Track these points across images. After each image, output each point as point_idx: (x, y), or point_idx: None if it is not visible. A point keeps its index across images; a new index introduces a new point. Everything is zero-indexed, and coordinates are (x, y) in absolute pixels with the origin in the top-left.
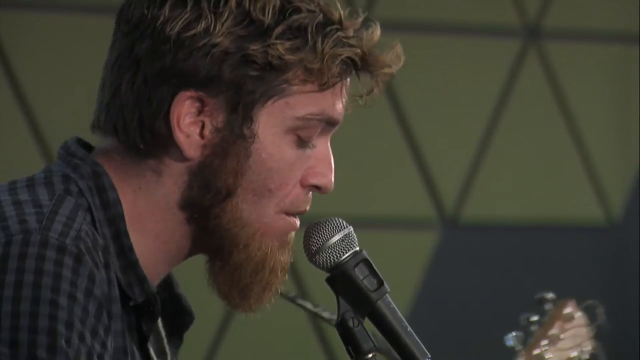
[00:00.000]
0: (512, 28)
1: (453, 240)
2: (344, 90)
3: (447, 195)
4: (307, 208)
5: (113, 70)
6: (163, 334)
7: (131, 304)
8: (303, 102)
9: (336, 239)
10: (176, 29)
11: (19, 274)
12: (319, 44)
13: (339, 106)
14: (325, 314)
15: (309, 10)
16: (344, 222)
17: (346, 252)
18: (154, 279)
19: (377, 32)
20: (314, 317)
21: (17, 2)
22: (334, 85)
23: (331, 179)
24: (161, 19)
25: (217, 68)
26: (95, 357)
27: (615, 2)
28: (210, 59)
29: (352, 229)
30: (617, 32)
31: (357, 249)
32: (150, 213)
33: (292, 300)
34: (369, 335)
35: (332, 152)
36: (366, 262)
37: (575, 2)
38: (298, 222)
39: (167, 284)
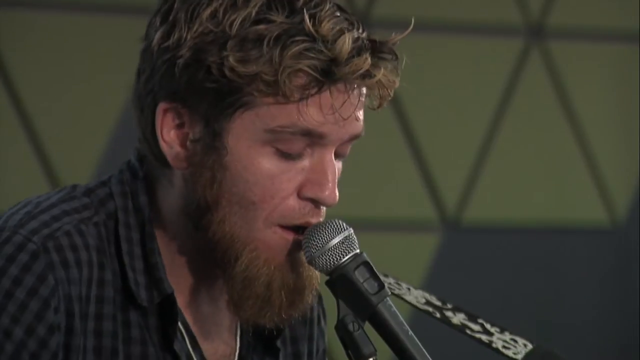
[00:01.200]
0: (515, 27)
1: (454, 242)
2: (326, 105)
3: (448, 197)
4: (309, 220)
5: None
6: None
7: (144, 304)
8: (272, 114)
9: (336, 241)
10: (155, 41)
11: None
12: (275, 56)
13: (318, 119)
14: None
15: (276, 22)
16: (344, 224)
17: (346, 255)
18: (186, 290)
19: (348, 36)
20: None
21: (13, 0)
22: (303, 98)
23: (330, 193)
24: (152, 30)
25: (183, 78)
26: (26, 355)
27: (619, 1)
28: (177, 71)
29: (352, 231)
30: (621, 31)
31: (358, 251)
32: (169, 225)
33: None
34: (369, 339)
35: None
36: (367, 264)
37: (578, 1)
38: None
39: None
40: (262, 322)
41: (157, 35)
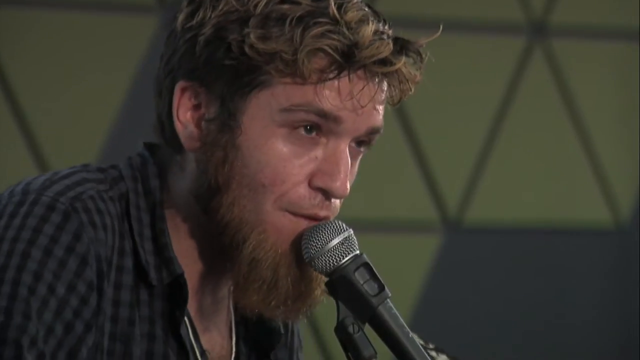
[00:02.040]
0: (517, 25)
1: (456, 243)
2: (345, 89)
3: (450, 198)
4: (318, 213)
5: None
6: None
7: (154, 282)
8: (288, 94)
9: (336, 242)
10: (179, 21)
11: (4, 231)
12: (296, 35)
13: (335, 103)
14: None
15: (302, 4)
16: (344, 225)
17: (346, 256)
18: (191, 278)
19: (372, 25)
20: (311, 320)
21: None
22: (321, 80)
23: (341, 184)
24: (177, 15)
25: (203, 56)
26: (69, 311)
27: None
28: (198, 48)
29: (352, 231)
30: (625, 29)
31: (358, 252)
32: (179, 209)
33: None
34: (369, 342)
35: None
36: (367, 266)
37: None
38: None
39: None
40: (267, 311)
41: (182, 16)
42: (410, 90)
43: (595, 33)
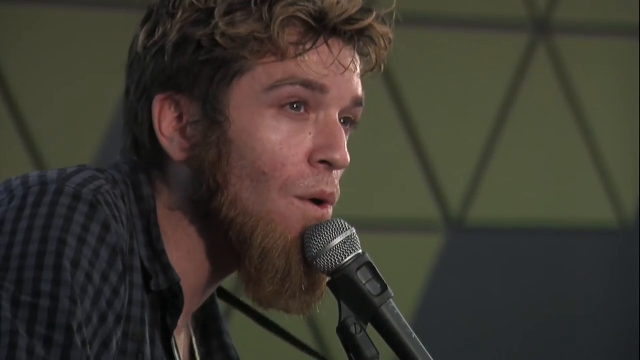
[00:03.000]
0: (521, 22)
1: (459, 243)
2: (326, 57)
3: (452, 197)
4: (325, 189)
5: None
6: None
7: (153, 288)
8: (269, 73)
9: (338, 242)
10: (141, 43)
11: (31, 219)
12: (264, 13)
13: (319, 71)
14: None
15: None
16: (346, 224)
17: (348, 255)
18: (188, 293)
19: None
20: (313, 320)
21: None
22: (300, 53)
23: (342, 153)
24: (134, 42)
25: (175, 65)
26: (104, 301)
27: None
28: (168, 59)
29: (354, 231)
30: (630, 27)
31: (360, 251)
32: (167, 220)
33: None
34: (371, 342)
35: None
36: (369, 265)
37: None
38: (326, 211)
39: (218, 332)
40: (282, 302)
41: (142, 37)
42: (386, 48)
43: (599, 30)
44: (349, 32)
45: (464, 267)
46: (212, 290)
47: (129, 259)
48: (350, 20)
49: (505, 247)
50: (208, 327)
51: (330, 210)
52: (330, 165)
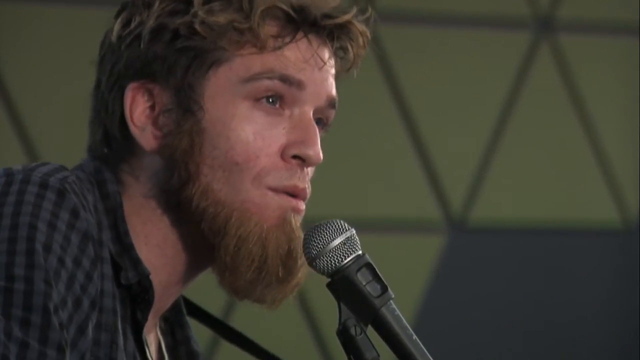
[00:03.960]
0: (523, 19)
1: (461, 244)
2: (305, 52)
3: (454, 197)
4: (301, 185)
5: (90, 108)
6: None
7: (122, 281)
8: (247, 65)
9: (337, 243)
10: (115, 33)
11: (0, 208)
12: (245, 3)
13: (297, 66)
14: None
15: None
16: (346, 225)
17: (348, 256)
18: (158, 289)
19: None
20: (312, 322)
21: None
22: (278, 47)
23: (316, 150)
24: (108, 33)
25: (150, 50)
26: (77, 285)
27: None
28: (143, 44)
29: (354, 231)
30: (634, 25)
31: (360, 252)
32: (136, 215)
33: None
34: (372, 344)
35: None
36: (369, 266)
37: None
38: (298, 204)
39: (185, 339)
40: (258, 292)
41: (117, 28)
42: (364, 47)
43: (603, 28)
44: (328, 26)
45: (466, 268)
46: (182, 289)
47: (99, 249)
48: (331, 14)
49: (508, 248)
50: (175, 333)
51: (303, 205)
52: (303, 161)
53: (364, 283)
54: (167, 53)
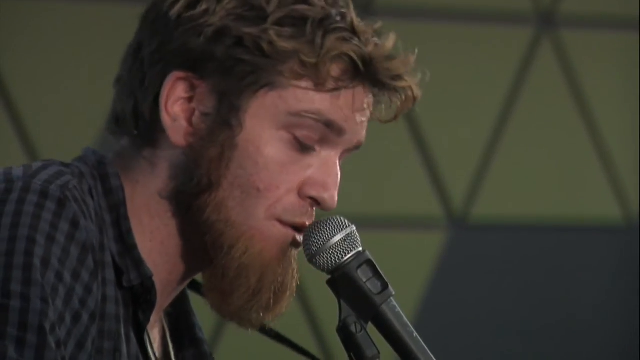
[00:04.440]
0: (525, 15)
1: (462, 240)
2: (357, 101)
3: (455, 193)
4: (307, 222)
5: (122, 64)
6: None
7: (125, 284)
8: (298, 98)
9: (337, 239)
10: (176, 10)
11: None
12: (318, 38)
13: (345, 113)
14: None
15: (318, 6)
16: (346, 221)
17: (348, 253)
18: (159, 287)
19: (390, 41)
20: (312, 319)
21: None
22: (334, 89)
23: (332, 195)
24: (167, 3)
25: (208, 47)
26: (76, 300)
27: None
28: (203, 38)
29: (354, 228)
30: (636, 19)
31: (360, 249)
32: (145, 208)
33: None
34: (372, 341)
35: None
36: (370, 263)
37: None
38: (299, 238)
39: (189, 326)
40: (244, 318)
41: (180, 4)
42: (410, 106)
43: (605, 23)
44: (391, 86)
45: (467, 265)
46: (184, 285)
47: (100, 255)
48: (397, 76)
49: (509, 245)
50: (180, 322)
51: (302, 238)
52: (317, 203)
53: (364, 280)
54: (224, 57)
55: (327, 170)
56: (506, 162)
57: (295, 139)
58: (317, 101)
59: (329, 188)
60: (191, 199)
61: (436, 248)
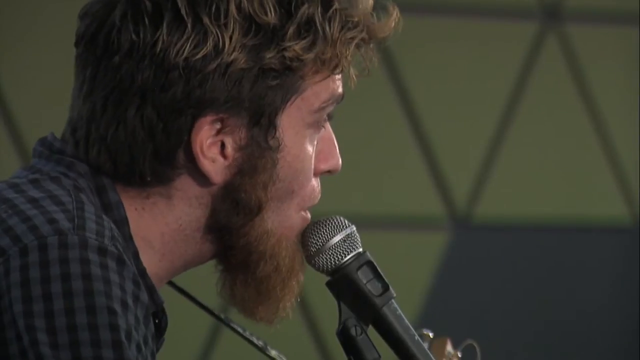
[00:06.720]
0: (530, 9)
1: (464, 241)
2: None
3: (458, 193)
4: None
5: (109, 104)
6: None
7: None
8: (316, 92)
9: (337, 240)
10: (183, 54)
11: (66, 282)
12: (328, 33)
13: (343, 78)
14: (259, 342)
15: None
16: (346, 221)
17: (348, 254)
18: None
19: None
20: (312, 322)
21: None
22: (346, 67)
23: (339, 158)
24: (160, 44)
25: (236, 88)
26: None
27: None
28: (228, 80)
29: (354, 228)
30: None
31: (360, 250)
32: (158, 234)
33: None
34: (373, 345)
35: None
36: (370, 264)
37: None
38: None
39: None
40: (283, 314)
41: (183, 48)
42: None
43: (610, 18)
44: (381, 43)
45: (470, 266)
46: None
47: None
48: (388, 34)
49: (513, 245)
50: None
51: None
52: (330, 173)
53: (364, 281)
54: (253, 91)
55: (330, 138)
56: (510, 160)
57: (318, 127)
58: (330, 85)
59: (335, 155)
60: (237, 228)
61: (439, 249)
